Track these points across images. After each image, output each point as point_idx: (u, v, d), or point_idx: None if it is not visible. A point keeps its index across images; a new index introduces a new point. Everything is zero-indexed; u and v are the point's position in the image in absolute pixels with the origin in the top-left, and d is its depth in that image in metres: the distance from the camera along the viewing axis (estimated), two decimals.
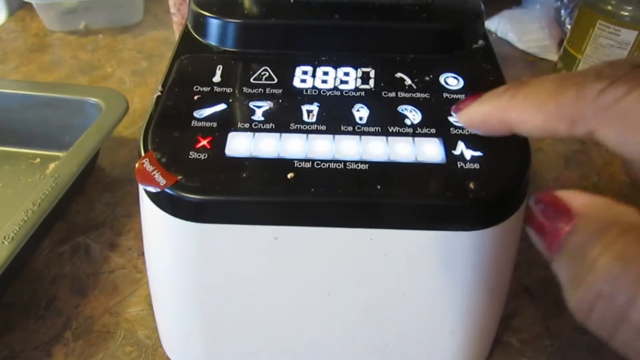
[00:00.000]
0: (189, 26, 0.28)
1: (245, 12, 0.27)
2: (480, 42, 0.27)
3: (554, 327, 0.34)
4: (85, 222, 0.40)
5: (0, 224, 0.32)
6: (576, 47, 0.52)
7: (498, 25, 0.66)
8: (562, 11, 0.62)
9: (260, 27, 0.26)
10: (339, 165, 0.21)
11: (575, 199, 0.15)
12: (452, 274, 0.22)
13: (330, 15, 0.26)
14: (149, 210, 0.22)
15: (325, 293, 0.23)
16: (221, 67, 0.25)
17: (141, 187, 0.22)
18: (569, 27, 0.61)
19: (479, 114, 0.19)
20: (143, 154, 0.22)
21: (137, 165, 0.22)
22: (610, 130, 0.15)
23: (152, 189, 0.21)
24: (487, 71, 0.26)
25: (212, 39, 0.27)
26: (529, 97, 0.17)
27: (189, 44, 0.27)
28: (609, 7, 0.49)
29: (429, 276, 0.22)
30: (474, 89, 0.25)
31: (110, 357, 0.32)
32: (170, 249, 0.23)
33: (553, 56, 0.61)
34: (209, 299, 0.24)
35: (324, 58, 0.26)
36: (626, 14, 0.48)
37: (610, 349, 0.14)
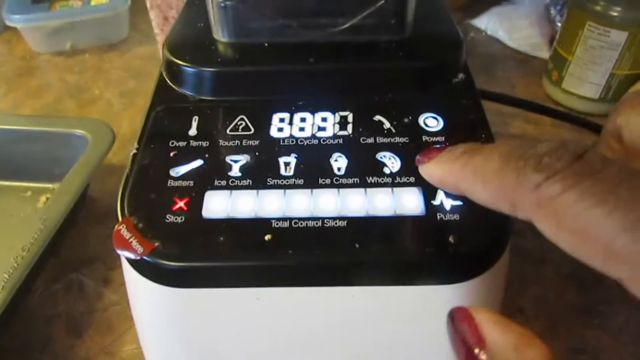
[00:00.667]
0: (164, 74, 0.28)
1: (220, 59, 0.26)
2: (461, 75, 0.27)
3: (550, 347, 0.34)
4: (78, 257, 0.40)
5: None
6: (566, 49, 0.51)
7: (488, 23, 0.66)
8: (552, 9, 0.61)
9: (236, 75, 0.26)
10: (317, 223, 0.21)
11: (489, 328, 0.16)
12: (437, 326, 0.22)
13: (306, 58, 0.26)
14: (129, 275, 0.22)
15: (311, 350, 0.23)
16: (197, 118, 0.25)
17: (121, 255, 0.22)
18: (559, 24, 0.60)
19: (436, 174, 0.19)
20: (120, 218, 0.22)
21: (114, 231, 0.21)
22: (545, 225, 0.15)
23: (129, 256, 0.21)
24: (467, 108, 0.26)
25: (187, 88, 0.26)
26: (477, 171, 0.17)
27: (164, 94, 0.26)
28: (598, 8, 0.48)
29: (414, 330, 0.22)
30: (454, 130, 0.24)
31: None
32: (154, 312, 0.23)
33: (544, 54, 0.60)
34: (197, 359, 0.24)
35: (301, 103, 0.26)
36: (615, 14, 0.47)
37: None
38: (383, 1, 0.26)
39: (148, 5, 0.51)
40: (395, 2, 0.26)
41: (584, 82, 0.51)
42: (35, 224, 0.35)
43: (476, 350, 0.15)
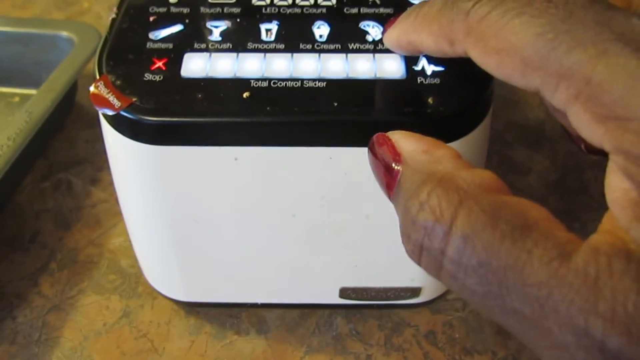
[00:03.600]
0: None
1: None
2: None
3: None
4: (67, 159, 0.40)
5: None
6: None
7: None
8: None
9: None
10: (295, 84, 0.21)
11: (403, 142, 0.17)
12: None
13: None
14: (109, 135, 0.22)
15: (289, 214, 0.23)
16: None
17: (99, 111, 0.22)
18: None
19: (393, 37, 0.20)
20: (98, 77, 0.22)
21: (91, 88, 0.21)
22: (475, 51, 0.16)
23: (107, 112, 0.21)
24: None
25: None
26: (424, 18, 0.18)
27: None
28: None
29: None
30: None
31: (94, 285, 0.33)
32: (133, 173, 0.23)
33: None
34: (178, 224, 0.24)
35: None
36: None
37: None
38: None
39: None
40: None
41: None
42: (21, 117, 0.35)
43: (393, 165, 0.16)
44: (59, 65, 0.39)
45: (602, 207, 0.39)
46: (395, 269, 0.27)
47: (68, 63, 0.39)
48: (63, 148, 0.41)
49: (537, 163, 0.40)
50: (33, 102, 0.36)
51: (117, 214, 0.37)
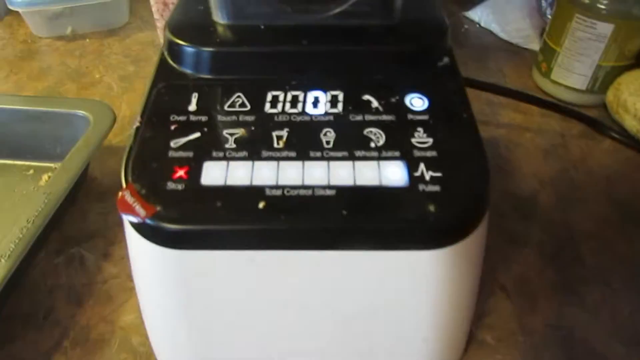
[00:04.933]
0: (165, 53, 0.29)
1: (219, 39, 0.28)
2: (445, 59, 0.28)
3: (528, 323, 0.35)
4: (79, 233, 0.42)
5: None
6: (555, 41, 0.53)
7: (481, 15, 0.67)
8: (543, 1, 0.62)
9: (233, 55, 0.27)
10: (307, 192, 0.23)
11: None
12: (419, 290, 0.24)
13: (300, 40, 0.27)
14: (132, 237, 0.24)
15: (302, 309, 0.25)
16: (197, 95, 0.27)
17: (124, 218, 0.23)
18: (549, 17, 0.62)
19: None
20: (124, 185, 0.23)
21: (118, 196, 0.23)
22: None
23: (132, 219, 0.22)
24: (451, 89, 0.27)
25: (188, 67, 0.28)
26: None
27: (166, 72, 0.28)
28: (586, 1, 0.49)
29: (396, 293, 0.24)
30: (438, 109, 0.26)
31: None
32: (154, 274, 0.24)
33: (535, 46, 0.62)
34: (195, 319, 0.26)
35: (294, 82, 0.27)
36: (602, 6, 0.49)
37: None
38: None
39: None
40: None
41: (571, 73, 0.53)
42: (39, 198, 0.37)
43: None
44: (75, 141, 0.41)
45: (599, 279, 0.40)
46: (401, 354, 0.28)
47: (84, 142, 0.41)
48: (76, 221, 0.43)
49: (534, 235, 0.41)
50: (51, 182, 0.38)
51: (128, 290, 0.38)
